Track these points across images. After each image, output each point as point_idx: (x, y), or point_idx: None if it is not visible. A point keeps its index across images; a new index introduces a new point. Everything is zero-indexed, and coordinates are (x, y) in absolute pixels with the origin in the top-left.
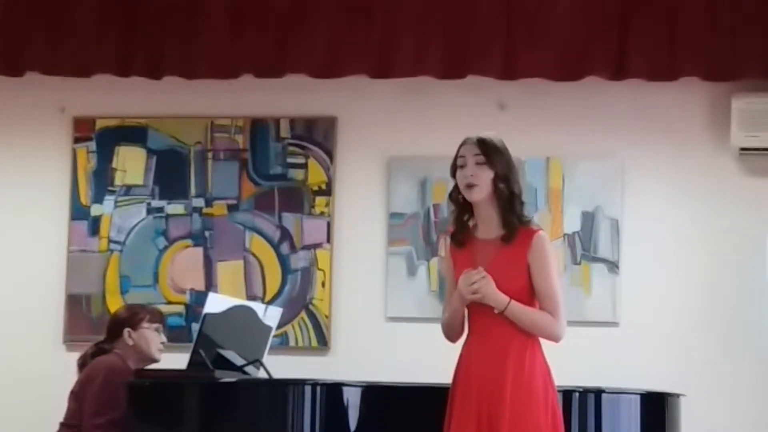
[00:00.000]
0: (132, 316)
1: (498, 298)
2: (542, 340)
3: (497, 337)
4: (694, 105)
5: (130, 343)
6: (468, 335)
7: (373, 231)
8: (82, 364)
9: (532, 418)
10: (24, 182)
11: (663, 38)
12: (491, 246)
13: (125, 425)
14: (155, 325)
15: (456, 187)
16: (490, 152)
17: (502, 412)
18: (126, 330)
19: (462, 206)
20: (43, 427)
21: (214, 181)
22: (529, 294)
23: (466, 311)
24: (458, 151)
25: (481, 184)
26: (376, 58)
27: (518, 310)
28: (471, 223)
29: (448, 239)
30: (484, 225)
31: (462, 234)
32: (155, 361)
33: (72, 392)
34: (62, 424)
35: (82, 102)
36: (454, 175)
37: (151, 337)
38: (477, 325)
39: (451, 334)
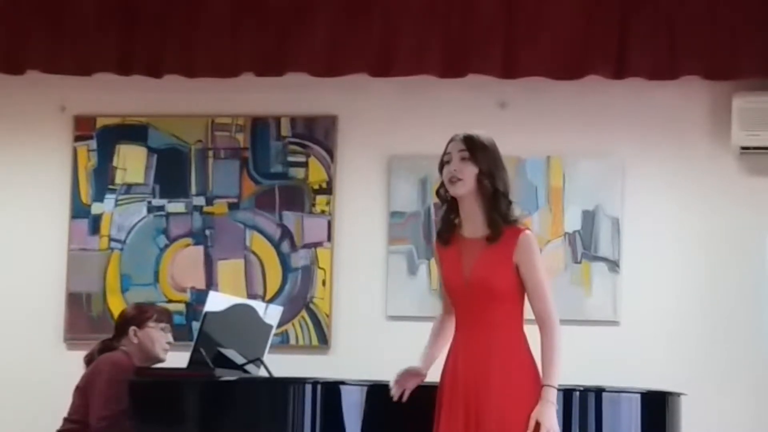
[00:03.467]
0: (138, 315)
1: (551, 407)
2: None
3: (482, 334)
4: (694, 104)
5: (135, 341)
6: (455, 331)
7: (374, 230)
8: (89, 360)
9: (519, 412)
10: (24, 181)
11: (663, 37)
12: (477, 245)
13: (130, 420)
14: (162, 325)
15: (443, 183)
16: (475, 148)
17: (487, 407)
18: (132, 328)
19: (449, 204)
20: (43, 426)
21: (215, 180)
22: (516, 293)
23: (452, 307)
24: (446, 148)
25: (465, 178)
26: (377, 57)
27: (556, 378)
28: (457, 221)
29: (434, 237)
30: (469, 223)
31: (448, 232)
32: (160, 360)
33: (77, 388)
34: (66, 420)
35: (83, 100)
36: (442, 171)
37: (157, 336)
38: (462, 320)
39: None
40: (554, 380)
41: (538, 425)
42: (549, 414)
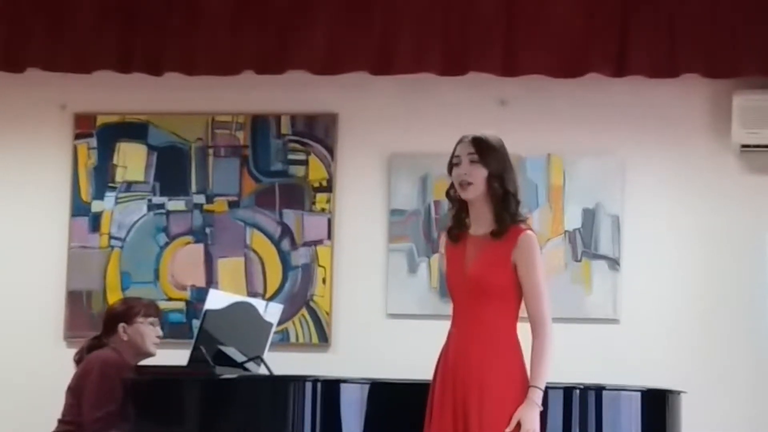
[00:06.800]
0: (127, 311)
1: (535, 408)
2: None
3: (474, 330)
4: (694, 102)
5: (125, 338)
6: (450, 326)
7: (374, 228)
8: (79, 359)
9: (501, 410)
10: (25, 179)
11: (664, 35)
12: (481, 241)
13: (123, 418)
14: (150, 319)
15: (452, 184)
16: (484, 151)
17: (472, 403)
18: (121, 325)
19: (460, 203)
20: (44, 424)
21: (215, 178)
22: (513, 290)
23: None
24: (454, 150)
25: (475, 182)
26: (377, 55)
27: (543, 379)
28: (467, 221)
29: (444, 235)
30: (478, 222)
31: (458, 230)
32: (151, 354)
33: (69, 388)
34: (60, 421)
35: (83, 98)
36: (451, 173)
37: (146, 331)
38: (457, 316)
39: None
40: (541, 382)
41: (519, 425)
42: (532, 415)
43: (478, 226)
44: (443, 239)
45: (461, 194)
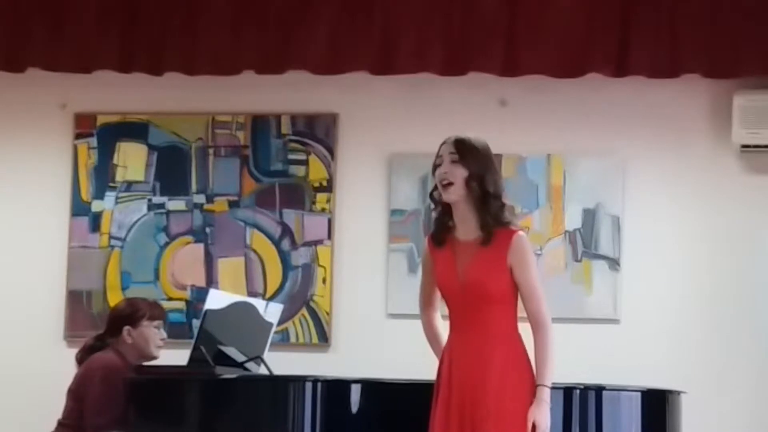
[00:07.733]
0: (133, 314)
1: (546, 406)
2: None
3: (478, 335)
4: (695, 102)
5: (129, 341)
6: (449, 333)
7: (374, 228)
8: (81, 359)
9: (517, 412)
10: (25, 178)
11: (664, 35)
12: (471, 247)
13: (125, 422)
14: (156, 323)
15: (436, 186)
16: (465, 151)
17: (484, 408)
18: (126, 328)
19: (442, 206)
20: (44, 424)
21: (215, 178)
22: (511, 294)
23: (445, 309)
24: (438, 150)
25: (456, 182)
26: (378, 55)
27: (550, 377)
28: (451, 224)
29: (427, 240)
30: (463, 226)
31: (441, 234)
32: (154, 358)
33: (69, 390)
34: (60, 423)
35: (83, 98)
36: (435, 174)
37: (151, 335)
38: (457, 322)
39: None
40: (548, 380)
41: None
42: (545, 414)
43: (465, 230)
44: (425, 244)
45: (443, 195)
